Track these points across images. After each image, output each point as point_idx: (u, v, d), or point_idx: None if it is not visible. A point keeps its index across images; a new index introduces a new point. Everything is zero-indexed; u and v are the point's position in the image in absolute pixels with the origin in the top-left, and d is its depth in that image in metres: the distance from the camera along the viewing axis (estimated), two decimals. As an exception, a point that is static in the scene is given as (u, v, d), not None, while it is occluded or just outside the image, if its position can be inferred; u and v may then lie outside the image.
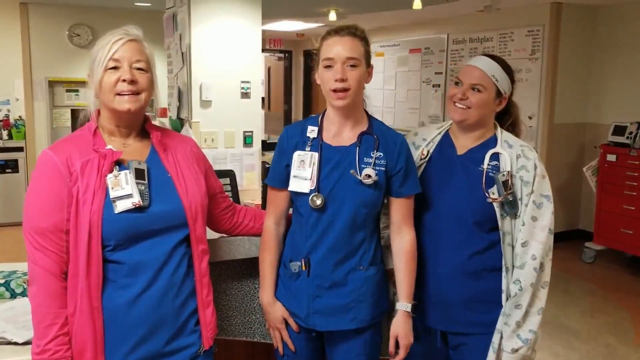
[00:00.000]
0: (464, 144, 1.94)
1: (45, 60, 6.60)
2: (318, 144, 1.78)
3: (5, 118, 6.65)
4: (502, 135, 1.92)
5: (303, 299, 1.79)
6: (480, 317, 1.86)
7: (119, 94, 1.51)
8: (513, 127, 2.00)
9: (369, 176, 1.72)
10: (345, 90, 1.70)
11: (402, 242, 1.82)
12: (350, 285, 1.77)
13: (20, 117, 6.71)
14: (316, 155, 1.76)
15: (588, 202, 6.11)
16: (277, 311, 1.84)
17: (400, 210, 1.82)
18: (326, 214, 1.75)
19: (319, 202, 1.73)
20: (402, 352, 1.80)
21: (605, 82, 6.06)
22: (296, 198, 1.80)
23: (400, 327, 1.81)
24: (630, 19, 5.77)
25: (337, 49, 1.70)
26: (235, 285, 2.10)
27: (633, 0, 5.61)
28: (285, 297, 1.85)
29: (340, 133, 1.80)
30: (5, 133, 6.57)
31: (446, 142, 1.97)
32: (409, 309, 1.80)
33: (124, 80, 1.51)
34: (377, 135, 1.79)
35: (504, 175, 1.82)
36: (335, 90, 1.70)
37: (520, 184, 1.83)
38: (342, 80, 1.69)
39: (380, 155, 1.76)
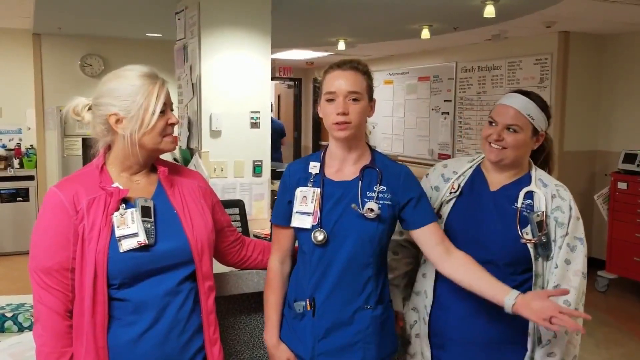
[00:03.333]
0: (497, 180, 1.88)
1: (57, 90, 6.69)
2: (320, 180, 1.77)
3: (17, 147, 6.73)
4: (537, 173, 1.87)
5: (308, 341, 1.74)
6: (508, 359, 1.79)
7: (165, 136, 1.58)
8: (546, 162, 1.96)
9: (372, 210, 1.69)
10: (346, 123, 1.69)
11: (455, 257, 1.71)
12: (357, 326, 1.72)
13: (31, 146, 6.78)
14: (318, 190, 1.75)
15: (600, 230, 6.04)
16: (281, 353, 1.80)
17: (433, 235, 1.74)
18: (329, 250, 1.72)
19: (320, 237, 1.70)
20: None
21: (614, 109, 6.05)
22: (299, 235, 1.78)
23: (534, 299, 1.57)
24: (636, 47, 5.78)
25: (340, 82, 1.70)
26: (243, 320, 2.08)
27: (638, 30, 5.64)
28: (290, 339, 1.80)
29: (342, 168, 1.78)
30: (16, 162, 6.63)
31: (478, 177, 1.92)
32: (517, 294, 1.59)
33: (172, 124, 1.58)
34: (379, 168, 1.76)
35: (538, 215, 1.76)
36: (337, 123, 1.69)
37: (555, 225, 1.77)
38: (344, 114, 1.68)
39: (383, 189, 1.74)
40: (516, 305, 1.58)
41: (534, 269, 1.76)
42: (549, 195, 1.81)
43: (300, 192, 1.77)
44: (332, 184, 1.77)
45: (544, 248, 1.76)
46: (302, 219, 1.74)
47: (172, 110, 1.61)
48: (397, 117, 8.45)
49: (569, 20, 5.29)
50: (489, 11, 4.33)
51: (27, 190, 6.63)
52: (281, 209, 1.82)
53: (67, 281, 1.48)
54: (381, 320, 1.76)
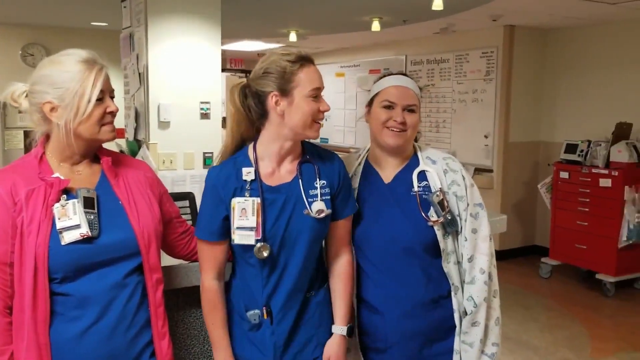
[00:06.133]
0: (388, 171, 1.85)
1: (-4, 81, 6.41)
2: (258, 187, 1.62)
3: (-46, 140, 6.43)
4: (422, 152, 1.86)
5: (269, 348, 1.67)
6: (443, 345, 1.81)
7: (104, 125, 1.51)
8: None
9: (322, 211, 1.62)
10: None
11: (340, 264, 1.76)
12: (308, 314, 1.70)
13: (-30, 138, 6.50)
14: (258, 200, 1.61)
15: (543, 218, 6.25)
16: None
17: (340, 232, 1.74)
18: (280, 259, 1.64)
19: (265, 254, 1.60)
20: None
21: (556, 101, 6.26)
22: (243, 250, 1.64)
23: (334, 350, 1.72)
24: (578, 41, 6.00)
25: (320, 80, 1.64)
26: (193, 313, 2.04)
27: (581, 24, 5.83)
28: (249, 351, 1.70)
29: (277, 169, 1.67)
30: (-47, 155, 6.34)
31: (369, 172, 1.87)
32: (345, 332, 1.73)
33: (110, 112, 1.51)
34: (315, 162, 1.69)
35: (437, 195, 1.76)
36: (318, 122, 1.63)
37: (456, 199, 1.78)
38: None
39: (323, 184, 1.67)
40: (334, 336, 1.73)
41: (443, 248, 1.76)
42: (440, 171, 1.81)
43: (237, 204, 1.60)
44: (272, 190, 1.64)
45: (451, 225, 1.76)
46: (244, 235, 1.60)
47: (112, 97, 1.54)
48: (349, 109, 8.50)
49: (514, 14, 5.43)
50: (437, 4, 4.39)
51: (-36, 185, 6.34)
52: (214, 224, 1.64)
53: (5, 276, 1.42)
54: (326, 302, 1.75)
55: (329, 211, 1.65)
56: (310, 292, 1.70)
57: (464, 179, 1.81)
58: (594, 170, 5.30)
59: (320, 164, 1.70)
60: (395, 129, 1.78)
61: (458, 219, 1.78)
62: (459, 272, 1.80)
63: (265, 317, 1.66)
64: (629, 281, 5.32)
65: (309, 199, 1.64)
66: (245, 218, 1.59)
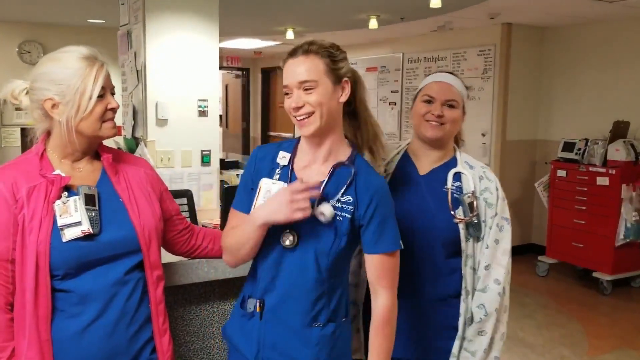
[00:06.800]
0: (425, 164, 1.89)
1: (-7, 78, 6.39)
2: (288, 174, 1.59)
3: (-51, 137, 6.41)
4: (462, 156, 1.90)
5: (254, 341, 1.60)
6: (448, 344, 1.81)
7: (105, 121, 1.51)
8: (457, 143, 1.96)
9: (323, 214, 1.50)
10: (307, 117, 1.50)
11: (375, 307, 1.59)
12: (303, 343, 1.56)
13: (-34, 136, 6.48)
14: (285, 185, 1.55)
15: (540, 216, 6.27)
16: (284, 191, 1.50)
17: (373, 269, 1.58)
18: (283, 255, 1.57)
19: (288, 242, 1.53)
20: None
21: (553, 99, 6.27)
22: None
23: None
24: (575, 39, 6.01)
25: (291, 73, 1.51)
26: (193, 310, 2.05)
27: (577, 22, 5.84)
28: (237, 334, 1.66)
29: (310, 166, 1.60)
30: (-51, 153, 6.31)
31: (406, 162, 1.91)
32: None
33: (112, 109, 1.52)
34: (354, 170, 1.57)
35: (469, 196, 1.79)
36: (298, 119, 1.53)
37: (485, 206, 1.81)
38: (298, 107, 1.50)
39: (349, 200, 1.54)
40: None
41: (464, 250, 1.79)
42: (476, 176, 1.85)
43: (264, 184, 1.58)
44: None
45: (476, 229, 1.80)
46: None
47: (113, 94, 1.55)
48: (345, 107, 8.49)
49: (511, 12, 5.44)
50: (435, 2, 4.40)
51: (-39, 182, 6.31)
52: (246, 195, 1.64)
53: (7, 273, 1.42)
54: (332, 338, 1.59)
55: (329, 218, 1.51)
56: (317, 322, 1.57)
57: (497, 189, 1.84)
58: (591, 169, 5.31)
59: (359, 176, 1.57)
60: (433, 122, 1.82)
61: (483, 224, 1.81)
62: (473, 278, 1.82)
63: (257, 309, 1.59)
64: (625, 279, 5.34)
65: (321, 198, 1.54)
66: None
